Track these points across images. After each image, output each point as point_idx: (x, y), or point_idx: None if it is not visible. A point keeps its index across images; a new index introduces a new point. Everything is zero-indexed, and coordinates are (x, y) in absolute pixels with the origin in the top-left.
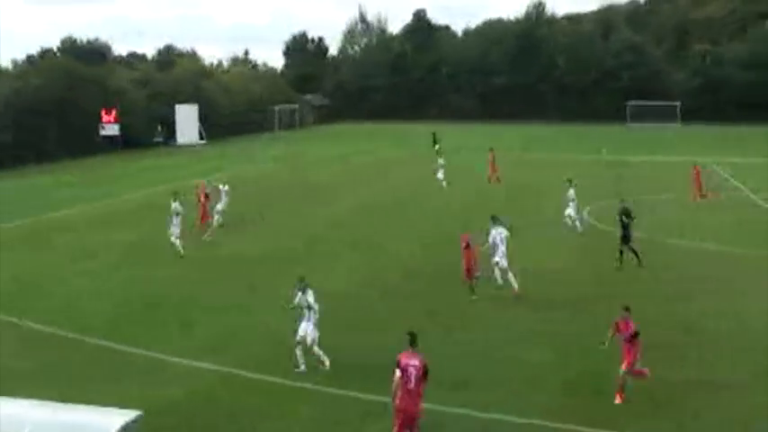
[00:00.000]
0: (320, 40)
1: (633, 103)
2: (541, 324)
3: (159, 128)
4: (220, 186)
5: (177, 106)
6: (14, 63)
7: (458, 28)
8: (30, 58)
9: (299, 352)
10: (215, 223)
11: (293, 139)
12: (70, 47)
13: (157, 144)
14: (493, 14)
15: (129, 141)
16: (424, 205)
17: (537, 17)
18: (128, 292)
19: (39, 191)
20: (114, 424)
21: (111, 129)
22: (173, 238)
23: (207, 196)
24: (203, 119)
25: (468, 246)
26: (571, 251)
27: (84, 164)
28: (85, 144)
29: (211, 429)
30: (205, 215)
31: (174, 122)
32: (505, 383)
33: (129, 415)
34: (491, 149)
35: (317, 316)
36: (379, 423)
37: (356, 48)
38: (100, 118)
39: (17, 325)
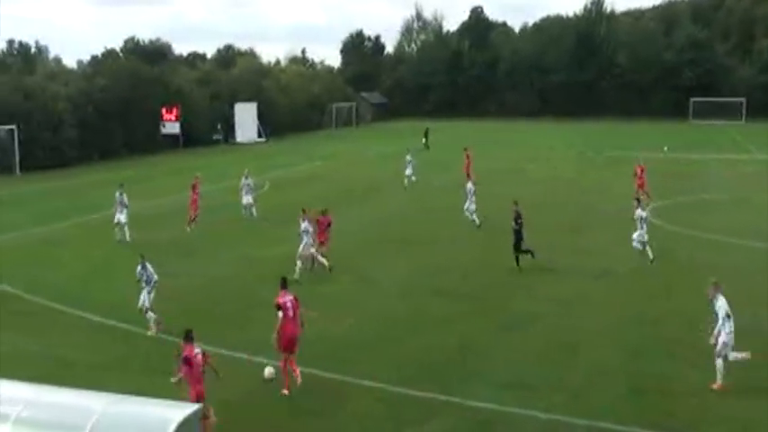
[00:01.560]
0: (377, 38)
1: (696, 99)
2: (602, 324)
3: (219, 126)
4: (243, 179)
5: (236, 105)
6: (79, 64)
7: (515, 25)
8: (94, 59)
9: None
10: (249, 214)
11: (350, 136)
12: (133, 47)
13: (217, 142)
14: (551, 11)
15: (189, 139)
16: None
17: (596, 13)
18: (186, 287)
19: (102, 187)
20: (175, 417)
21: (172, 127)
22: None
23: (194, 188)
24: (262, 117)
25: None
26: (636, 252)
27: (146, 161)
28: (148, 142)
29: (269, 425)
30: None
31: (233, 121)
32: (567, 384)
33: (189, 408)
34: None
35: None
36: (439, 421)
37: (413, 46)
38: (161, 116)
39: (84, 318)
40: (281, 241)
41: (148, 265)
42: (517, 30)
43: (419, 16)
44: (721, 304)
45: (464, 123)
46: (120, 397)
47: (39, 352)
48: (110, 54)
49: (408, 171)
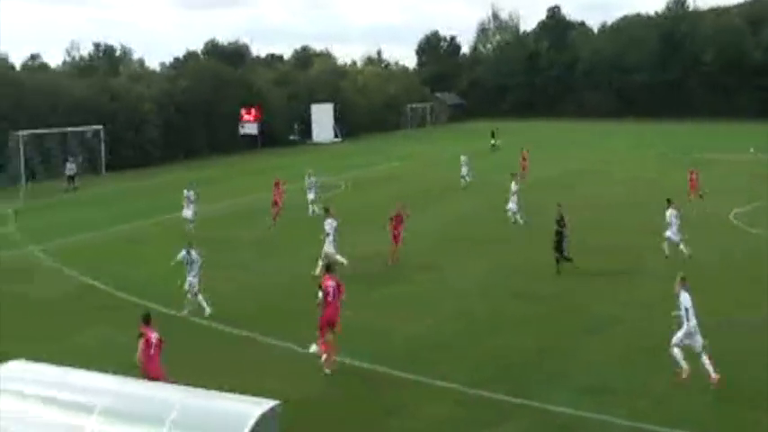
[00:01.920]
0: (452, 38)
1: None
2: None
3: (296, 126)
4: (306, 179)
5: (313, 105)
6: (162, 66)
7: (594, 24)
8: (176, 61)
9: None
10: (313, 213)
11: (426, 137)
12: (213, 49)
13: (294, 142)
14: (631, 9)
15: (267, 139)
16: (552, 206)
17: (679, 11)
18: (268, 285)
19: (184, 187)
20: (254, 412)
21: (250, 127)
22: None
23: (277, 186)
24: (338, 117)
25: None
26: (720, 256)
27: (226, 161)
28: (228, 142)
29: (345, 423)
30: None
31: (310, 121)
32: (650, 390)
33: (267, 404)
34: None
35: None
36: (516, 424)
37: (489, 46)
38: (241, 117)
39: (166, 314)
40: (358, 240)
41: (193, 252)
42: (596, 29)
43: (495, 16)
44: (683, 299)
45: (542, 124)
46: (200, 391)
47: (123, 345)
48: (191, 56)
49: (464, 171)
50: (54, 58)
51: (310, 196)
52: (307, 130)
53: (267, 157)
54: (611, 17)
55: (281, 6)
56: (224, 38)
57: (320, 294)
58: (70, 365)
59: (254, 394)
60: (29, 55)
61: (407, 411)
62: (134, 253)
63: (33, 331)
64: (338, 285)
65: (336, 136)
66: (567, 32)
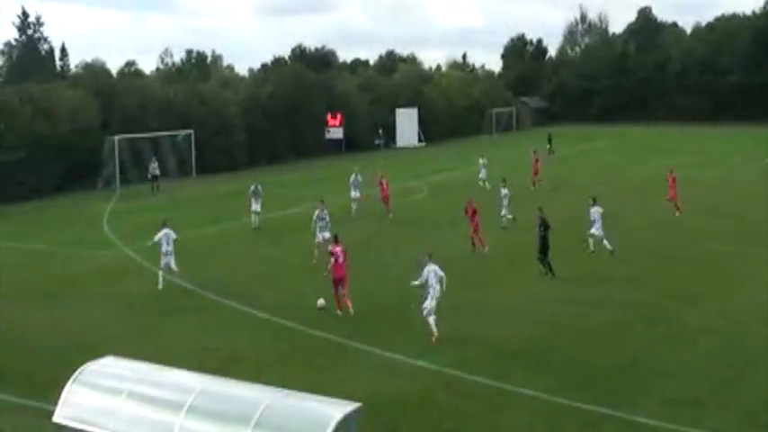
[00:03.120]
0: (539, 42)
1: None
2: None
3: (380, 131)
4: (353, 176)
5: (397, 110)
6: (250, 71)
7: (686, 25)
8: (264, 67)
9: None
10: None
11: (510, 141)
12: (300, 55)
13: (378, 147)
14: (726, 9)
15: (351, 144)
16: (640, 211)
17: None
18: (351, 288)
19: (269, 190)
20: (336, 413)
21: (335, 132)
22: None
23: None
24: (422, 122)
25: None
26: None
27: (311, 165)
28: (312, 146)
29: (424, 428)
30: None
31: (394, 126)
32: (741, 404)
33: (349, 406)
34: (534, 151)
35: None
36: None
37: (576, 49)
38: (326, 122)
39: (251, 314)
40: (438, 243)
41: (168, 231)
42: (689, 30)
43: (583, 18)
44: (428, 271)
45: (630, 128)
46: (284, 392)
47: (209, 346)
48: (278, 62)
49: (482, 174)
50: (148, 65)
51: (355, 193)
52: (391, 135)
53: (351, 161)
54: (705, 18)
55: (365, 12)
56: (311, 44)
57: (332, 259)
58: (158, 363)
59: (336, 396)
60: (124, 62)
61: (487, 418)
62: (222, 254)
63: (124, 329)
64: (344, 252)
65: (420, 140)
66: (658, 33)
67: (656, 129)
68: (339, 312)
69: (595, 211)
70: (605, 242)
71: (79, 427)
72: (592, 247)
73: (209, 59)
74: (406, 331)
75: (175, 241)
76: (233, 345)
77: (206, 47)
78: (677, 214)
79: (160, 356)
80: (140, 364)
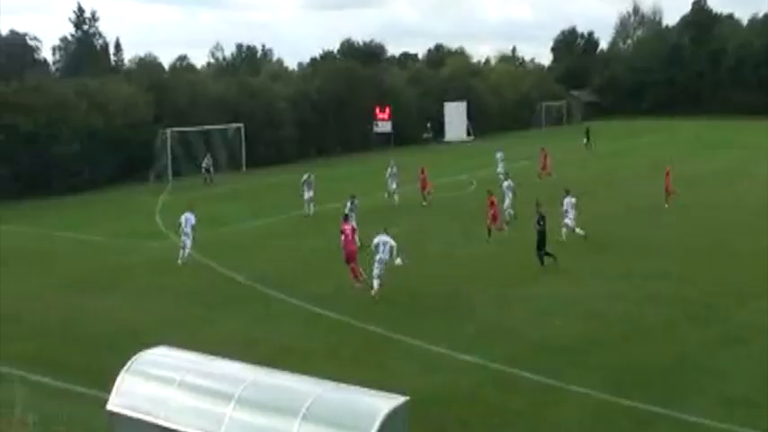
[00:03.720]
0: (590, 34)
1: None
2: None
3: (428, 125)
4: (390, 169)
5: (446, 104)
6: (300, 65)
7: (743, 16)
8: (313, 61)
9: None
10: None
11: (559, 135)
12: (348, 49)
13: (426, 140)
14: None
15: (400, 138)
16: (694, 207)
17: None
18: (395, 281)
19: (318, 183)
20: (384, 407)
21: (384, 126)
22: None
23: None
24: (471, 116)
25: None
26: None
27: (360, 159)
28: (361, 140)
29: (471, 423)
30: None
31: (442, 119)
32: None
33: (397, 400)
34: (542, 148)
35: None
36: None
37: (628, 42)
38: (374, 115)
39: (299, 307)
40: (476, 239)
41: (189, 215)
42: (745, 22)
43: (636, 11)
44: (378, 240)
45: (682, 123)
46: (332, 384)
47: (259, 337)
48: (327, 56)
49: (500, 168)
50: (200, 60)
51: (392, 186)
52: (439, 129)
53: (400, 155)
54: (763, 9)
55: (413, 6)
56: (360, 38)
57: (342, 237)
58: (209, 354)
59: (382, 390)
60: (176, 56)
61: (535, 414)
62: (271, 246)
63: (175, 319)
64: (353, 229)
65: (469, 134)
66: (713, 26)
67: (708, 123)
68: (357, 284)
69: (568, 202)
70: (578, 230)
71: (132, 415)
72: (563, 238)
73: (259, 54)
74: (453, 325)
75: (194, 227)
76: (281, 336)
77: (256, 41)
78: (666, 206)
79: (210, 347)
80: (191, 355)
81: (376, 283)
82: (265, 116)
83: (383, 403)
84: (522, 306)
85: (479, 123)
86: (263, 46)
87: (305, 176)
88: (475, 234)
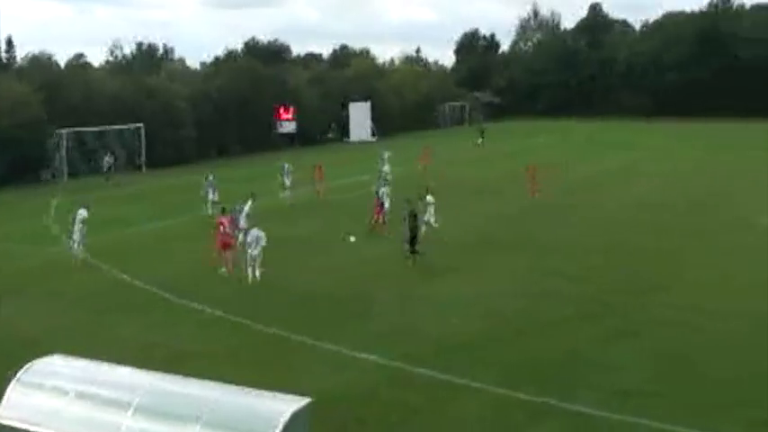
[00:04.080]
0: (491, 37)
1: None
2: (721, 336)
3: (332, 125)
4: (205, 179)
5: (350, 104)
6: (202, 65)
7: (636, 22)
8: (216, 60)
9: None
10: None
11: (461, 135)
12: (253, 48)
13: (330, 141)
14: (674, 7)
15: (303, 138)
16: (592, 206)
17: (722, 9)
18: (298, 283)
19: (219, 184)
20: (286, 409)
21: (288, 126)
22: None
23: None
24: (375, 116)
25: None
26: (762, 259)
27: (262, 159)
28: (263, 140)
29: (371, 422)
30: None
31: (347, 120)
32: (681, 395)
33: (299, 402)
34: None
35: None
36: (546, 426)
37: (528, 44)
38: (278, 115)
39: (199, 311)
40: (391, 239)
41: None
42: (638, 27)
43: (536, 14)
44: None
45: (577, 123)
46: (233, 388)
47: (157, 342)
48: (230, 55)
49: (385, 168)
50: (97, 58)
51: (211, 197)
52: (343, 129)
53: (303, 155)
54: (655, 15)
55: (317, 6)
56: (264, 37)
57: (221, 228)
58: (106, 360)
59: (285, 392)
60: (72, 54)
61: (433, 411)
62: (169, 249)
63: (71, 326)
64: (231, 220)
65: (373, 135)
66: (608, 30)
67: (601, 124)
68: (224, 271)
69: (428, 201)
70: (433, 222)
71: (23, 427)
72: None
73: (159, 52)
74: (355, 325)
75: (84, 222)
76: (180, 341)
77: (157, 39)
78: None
79: (107, 354)
80: (86, 362)
81: (250, 271)
82: (165, 116)
83: (285, 406)
84: (423, 304)
85: (383, 124)
86: (164, 44)
87: (209, 177)
88: (376, 234)
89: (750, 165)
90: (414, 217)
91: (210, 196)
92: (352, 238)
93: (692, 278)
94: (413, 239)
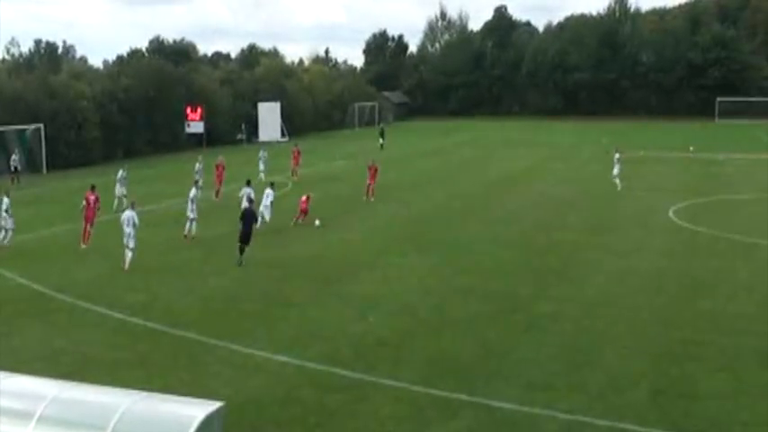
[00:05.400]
0: (400, 37)
1: (722, 99)
2: (625, 326)
3: (242, 126)
4: (120, 171)
5: (260, 104)
6: (105, 64)
7: (539, 24)
8: (120, 59)
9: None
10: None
11: (372, 136)
12: (158, 47)
13: (240, 141)
14: (575, 10)
15: (212, 139)
16: (501, 204)
17: (620, 12)
18: (210, 286)
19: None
20: (198, 414)
21: (196, 126)
22: None
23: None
24: (285, 116)
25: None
26: (660, 253)
27: (170, 160)
28: (171, 141)
29: (289, 424)
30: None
31: (256, 120)
32: (589, 386)
33: (211, 406)
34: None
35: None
36: (461, 421)
37: (436, 45)
38: (186, 116)
39: (107, 316)
40: (300, 240)
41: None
42: (541, 29)
43: (443, 15)
44: (125, 217)
45: (486, 123)
46: (143, 394)
47: (63, 349)
48: (135, 54)
49: (261, 167)
50: None
51: (121, 190)
52: (253, 129)
53: (212, 156)
54: (558, 17)
55: (225, 4)
56: (170, 36)
57: (83, 203)
58: (6, 370)
59: (198, 396)
60: None
61: (350, 411)
62: (74, 254)
63: None
64: (97, 199)
65: (283, 135)
66: (513, 32)
67: (510, 123)
68: (84, 246)
69: (268, 193)
70: (266, 219)
71: None
72: (266, 221)
73: (60, 51)
74: (270, 327)
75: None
76: (87, 347)
77: (57, 37)
78: (365, 198)
79: (9, 362)
80: None
81: (129, 254)
82: (68, 116)
83: (197, 411)
84: (339, 304)
85: (294, 124)
86: (65, 42)
87: (121, 172)
88: (292, 234)
89: (649, 163)
90: (251, 217)
91: (119, 191)
92: (317, 222)
93: (596, 272)
94: (247, 239)
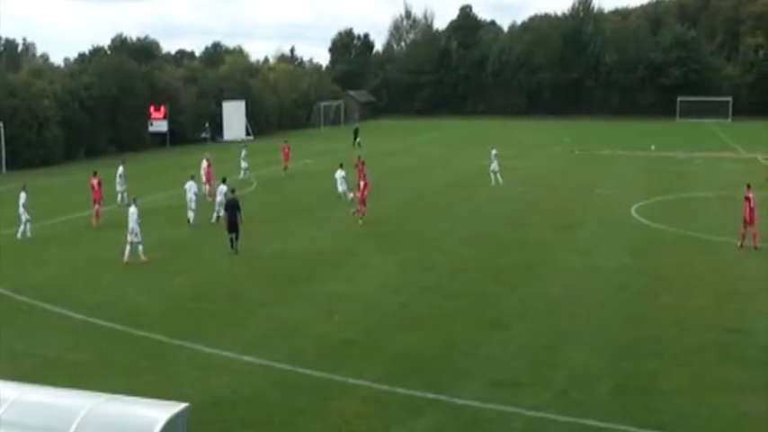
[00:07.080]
0: (366, 36)
1: (683, 98)
2: (588, 323)
3: (206, 124)
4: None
5: (224, 103)
6: (66, 62)
7: (504, 23)
8: (81, 57)
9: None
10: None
11: (337, 135)
12: (121, 45)
13: (204, 140)
14: (539, 10)
15: (176, 138)
16: (466, 202)
17: (584, 12)
18: (174, 286)
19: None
20: (162, 416)
21: (159, 125)
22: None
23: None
24: (250, 115)
25: None
26: (623, 250)
27: (133, 159)
28: (135, 140)
29: (256, 424)
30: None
31: (221, 119)
32: (553, 382)
33: (176, 407)
34: (285, 141)
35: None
36: (427, 419)
37: (402, 44)
38: (149, 115)
39: (68, 317)
40: (267, 238)
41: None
42: (506, 28)
43: (408, 14)
44: (131, 212)
45: (451, 122)
46: (105, 396)
47: (22, 351)
48: (97, 52)
49: (243, 165)
50: None
51: (122, 187)
52: (218, 128)
53: (176, 155)
54: (522, 17)
55: (187, 2)
56: (133, 34)
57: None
58: None
59: (162, 398)
60: None
61: (317, 411)
62: (37, 253)
63: None
64: (99, 182)
65: (248, 134)
66: (478, 31)
67: (475, 122)
68: (95, 223)
69: (220, 190)
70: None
71: None
72: (214, 221)
73: (19, 48)
74: (236, 327)
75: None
76: (48, 349)
77: (16, 34)
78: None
79: None
80: None
81: (127, 252)
82: (28, 115)
83: (160, 413)
84: (305, 303)
85: (259, 123)
86: (25, 40)
87: (121, 168)
88: (257, 233)
89: (611, 161)
90: (237, 207)
91: (119, 187)
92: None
93: (561, 269)
94: (235, 228)
